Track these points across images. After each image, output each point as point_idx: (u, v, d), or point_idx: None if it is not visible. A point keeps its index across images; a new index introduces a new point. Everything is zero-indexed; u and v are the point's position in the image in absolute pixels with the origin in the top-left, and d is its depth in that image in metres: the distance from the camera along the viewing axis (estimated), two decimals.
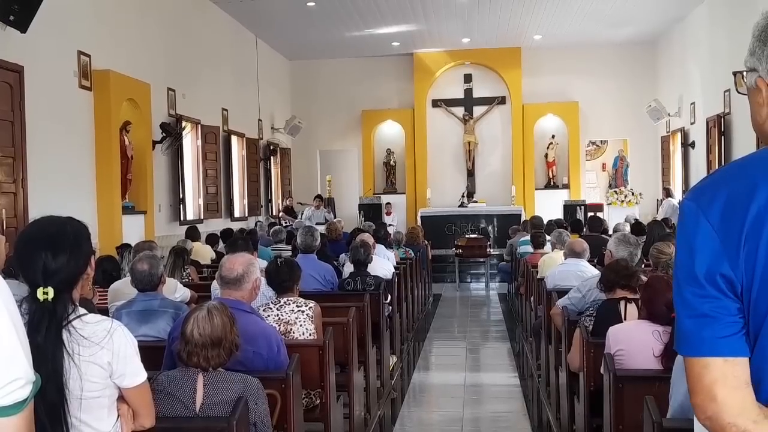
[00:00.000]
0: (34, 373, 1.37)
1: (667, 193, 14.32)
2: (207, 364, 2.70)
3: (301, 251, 6.22)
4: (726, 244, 1.25)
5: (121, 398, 2.21)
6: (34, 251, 2.06)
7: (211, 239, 9.93)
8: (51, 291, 2.02)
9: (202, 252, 8.98)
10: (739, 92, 1.44)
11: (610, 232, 9.39)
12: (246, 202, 14.00)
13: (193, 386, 2.67)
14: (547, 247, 8.29)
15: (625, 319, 3.85)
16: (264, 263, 4.79)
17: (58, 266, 2.05)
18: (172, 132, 10.30)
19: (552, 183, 17.02)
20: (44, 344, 1.96)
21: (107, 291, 4.99)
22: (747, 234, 1.23)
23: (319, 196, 15.12)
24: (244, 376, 2.75)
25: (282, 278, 4.19)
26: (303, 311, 4.13)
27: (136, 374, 2.18)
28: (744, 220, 1.24)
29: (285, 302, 4.15)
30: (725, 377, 1.25)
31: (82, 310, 2.13)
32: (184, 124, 10.97)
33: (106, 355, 2.10)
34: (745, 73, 1.40)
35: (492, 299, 12.01)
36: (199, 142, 11.73)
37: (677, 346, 1.34)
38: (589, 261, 6.09)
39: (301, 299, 4.21)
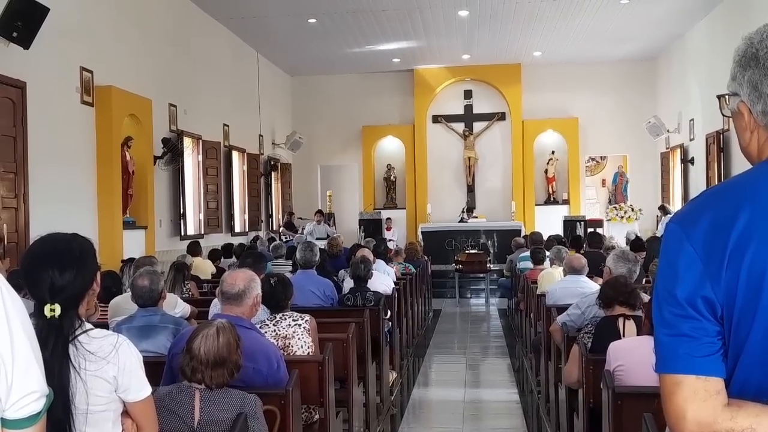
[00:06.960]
0: (47, 387, 1.39)
1: (664, 210, 14.30)
2: (210, 382, 2.72)
3: (301, 266, 6.22)
4: (709, 268, 1.24)
5: (125, 412, 2.22)
6: (40, 268, 2.07)
7: (212, 254, 9.93)
8: (58, 308, 2.03)
9: (203, 267, 8.99)
10: (723, 114, 1.47)
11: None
12: (246, 217, 14.02)
13: (191, 402, 2.68)
14: (547, 263, 8.30)
15: (623, 335, 3.84)
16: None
17: (64, 283, 2.06)
18: (172, 147, 10.34)
19: (552, 199, 17.05)
20: (51, 360, 1.96)
21: (108, 306, 5.01)
22: (729, 258, 1.22)
23: (320, 211, 15.14)
24: (242, 394, 2.76)
25: (278, 298, 4.19)
26: (300, 324, 4.13)
27: (140, 388, 2.20)
28: (727, 244, 1.23)
29: (281, 317, 4.15)
30: (696, 393, 1.23)
31: (88, 325, 2.14)
32: (185, 139, 11.02)
33: (112, 369, 2.12)
34: (728, 98, 1.41)
35: (492, 315, 12.01)
36: (200, 158, 11.76)
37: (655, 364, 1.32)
38: (588, 276, 6.08)
39: (296, 313, 4.22)
